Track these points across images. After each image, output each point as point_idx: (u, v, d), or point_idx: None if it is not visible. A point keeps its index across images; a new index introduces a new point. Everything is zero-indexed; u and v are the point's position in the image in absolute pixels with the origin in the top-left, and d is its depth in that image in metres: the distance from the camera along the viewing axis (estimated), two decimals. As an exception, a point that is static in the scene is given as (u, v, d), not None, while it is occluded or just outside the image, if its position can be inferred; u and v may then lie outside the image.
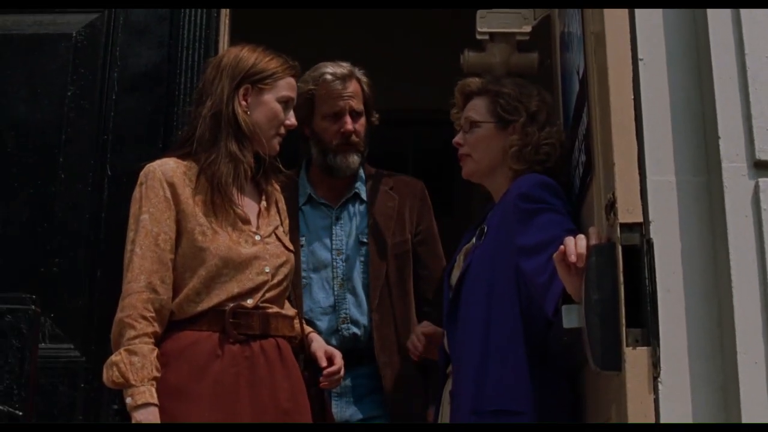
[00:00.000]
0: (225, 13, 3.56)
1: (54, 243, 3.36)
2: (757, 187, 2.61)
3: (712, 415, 2.54)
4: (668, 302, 2.37)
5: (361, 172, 3.74)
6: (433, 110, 5.90)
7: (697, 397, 2.55)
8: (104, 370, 2.75)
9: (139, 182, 2.94)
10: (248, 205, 3.03)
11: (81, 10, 3.54)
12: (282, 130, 3.07)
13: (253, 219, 3.01)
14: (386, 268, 3.60)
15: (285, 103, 3.06)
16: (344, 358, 3.19)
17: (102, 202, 3.39)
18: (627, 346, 2.16)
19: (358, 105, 3.65)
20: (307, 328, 3.19)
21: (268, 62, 3.06)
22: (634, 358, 2.16)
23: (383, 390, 3.51)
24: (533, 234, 2.78)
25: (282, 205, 3.19)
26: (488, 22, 3.69)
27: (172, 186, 2.90)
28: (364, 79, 3.70)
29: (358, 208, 3.70)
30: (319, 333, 3.42)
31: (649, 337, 2.17)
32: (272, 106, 3.04)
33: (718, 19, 2.73)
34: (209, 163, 2.94)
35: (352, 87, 3.65)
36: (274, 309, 2.95)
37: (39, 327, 2.10)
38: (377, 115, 3.75)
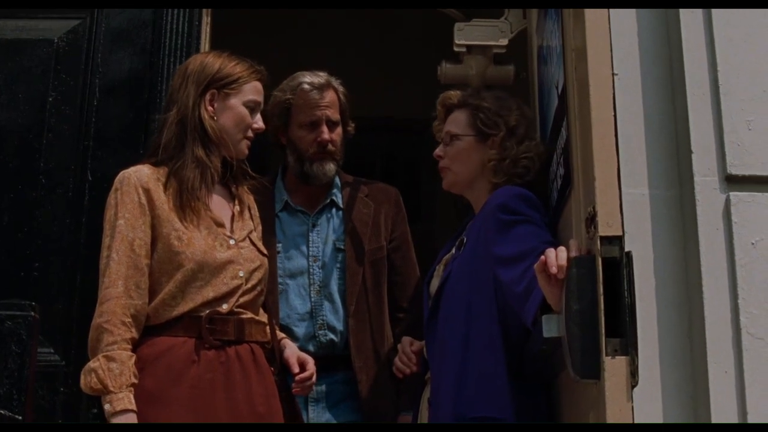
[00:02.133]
0: (206, 21, 3.59)
1: (34, 248, 3.37)
2: (728, 200, 2.67)
3: (683, 422, 2.60)
4: (641, 312, 2.41)
5: (337, 179, 3.76)
6: (403, 118, 5.98)
7: (669, 406, 2.61)
8: (82, 376, 2.74)
9: (114, 188, 2.94)
10: (221, 209, 3.04)
11: (63, 15, 3.56)
12: (249, 134, 3.08)
13: (226, 223, 3.01)
14: (362, 274, 3.62)
15: (252, 107, 3.07)
16: (320, 363, 3.21)
17: (82, 207, 3.41)
18: (606, 355, 2.19)
19: (334, 114, 3.67)
20: (280, 335, 3.20)
21: (234, 67, 3.07)
22: (613, 367, 2.19)
23: (359, 395, 3.52)
24: (511, 245, 2.81)
25: (255, 211, 3.19)
26: (465, 34, 3.73)
27: (147, 192, 2.90)
28: (340, 88, 3.71)
29: (335, 215, 3.72)
30: (296, 339, 3.47)
31: (628, 347, 2.21)
32: (239, 110, 3.04)
33: (691, 35, 2.79)
34: (177, 168, 2.95)
35: (329, 97, 3.66)
36: (248, 315, 2.96)
37: (38, 333, 2.11)
38: (353, 125, 3.77)
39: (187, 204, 2.92)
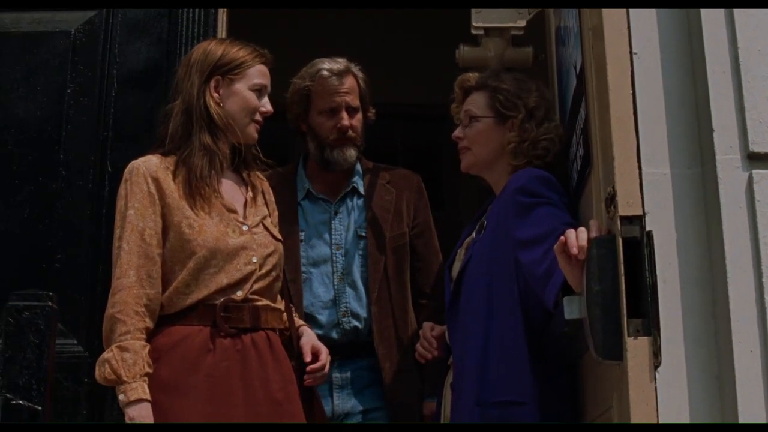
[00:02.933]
0: (223, 10, 3.58)
1: (55, 239, 3.39)
2: (750, 178, 2.64)
3: (708, 403, 2.58)
4: (664, 292, 2.40)
5: (359, 166, 3.76)
6: (423, 105, 5.97)
7: (694, 386, 2.58)
8: (96, 368, 2.75)
9: (123, 179, 2.95)
10: (233, 196, 3.03)
11: (79, 7, 3.56)
12: (258, 117, 3.07)
13: (239, 209, 3.01)
14: (385, 261, 3.62)
15: (258, 90, 3.06)
16: (344, 350, 3.22)
17: (102, 198, 3.41)
18: (628, 336, 2.20)
19: (354, 101, 3.67)
20: (299, 321, 3.20)
21: (236, 52, 3.06)
22: (635, 347, 2.20)
23: (382, 382, 3.53)
24: (531, 227, 2.81)
25: (270, 197, 3.19)
26: (483, 17, 3.70)
27: (156, 181, 2.91)
28: (360, 74, 3.72)
29: (356, 202, 3.72)
30: (320, 327, 3.49)
31: (650, 327, 2.20)
32: (245, 94, 3.04)
33: (711, 12, 2.76)
34: (185, 157, 2.96)
35: (348, 83, 3.66)
36: (264, 301, 2.95)
37: (56, 323, 2.11)
38: (373, 110, 3.77)
39: (197, 191, 2.92)
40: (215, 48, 3.07)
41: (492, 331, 2.89)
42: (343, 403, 3.53)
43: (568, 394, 2.93)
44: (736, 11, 2.76)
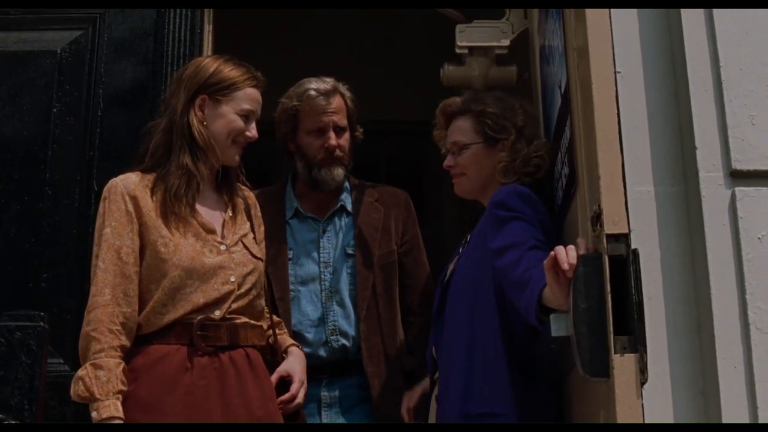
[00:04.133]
0: (208, 29, 3.60)
1: (42, 258, 3.38)
2: (733, 195, 2.67)
3: (694, 418, 2.60)
4: (649, 309, 2.42)
5: (347, 184, 3.76)
6: (405, 121, 5.99)
7: (679, 402, 2.61)
8: (71, 385, 2.72)
9: (102, 197, 2.92)
10: (212, 215, 3.00)
11: (65, 27, 3.57)
12: (241, 140, 3.02)
13: (217, 228, 2.97)
14: (373, 279, 3.61)
15: (244, 115, 3.01)
16: (333, 368, 3.22)
17: (89, 217, 3.38)
18: (615, 353, 2.21)
19: (341, 120, 3.67)
20: (288, 341, 3.18)
21: (228, 72, 3.02)
22: (622, 364, 2.21)
23: (371, 400, 3.52)
24: (503, 237, 2.84)
25: (256, 211, 3.17)
26: (467, 36, 3.74)
27: (134, 199, 2.89)
28: (347, 94, 3.71)
29: (345, 220, 3.72)
30: (309, 345, 3.48)
31: (636, 344, 2.22)
32: (229, 117, 3.00)
33: (693, 31, 2.80)
34: (162, 175, 2.94)
35: (336, 102, 3.66)
36: (243, 319, 2.92)
37: (48, 344, 2.12)
38: (361, 130, 3.77)
39: (173, 211, 2.89)
40: (207, 65, 3.03)
41: (474, 344, 2.92)
42: (331, 421, 3.52)
43: (552, 409, 2.94)
44: (718, 30, 2.79)
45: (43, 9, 3.59)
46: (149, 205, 2.89)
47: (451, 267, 3.18)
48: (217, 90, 2.99)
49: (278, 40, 5.94)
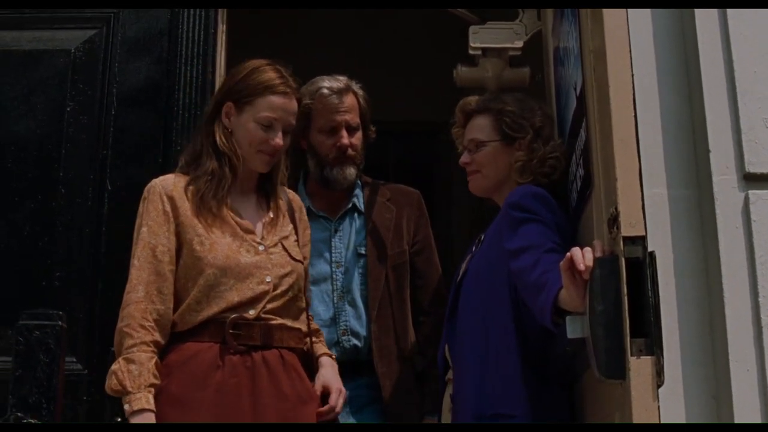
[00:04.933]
0: (222, 29, 3.60)
1: (55, 257, 3.39)
2: (747, 198, 2.68)
3: (706, 421, 2.61)
4: (662, 311, 2.39)
5: (359, 183, 3.76)
6: (415, 121, 6.00)
7: (691, 404, 2.61)
8: (106, 379, 2.76)
9: (142, 198, 2.95)
10: (252, 216, 3.02)
11: (79, 26, 3.58)
12: (265, 149, 2.99)
13: (257, 229, 2.99)
14: (385, 279, 3.61)
15: (266, 124, 2.98)
16: (344, 368, 3.21)
17: (102, 216, 3.42)
18: (631, 355, 2.21)
19: (354, 119, 3.67)
20: (322, 349, 3.16)
21: (255, 78, 3.00)
22: (639, 367, 2.21)
23: (382, 400, 3.52)
24: (519, 239, 2.84)
25: (301, 214, 3.18)
26: (481, 37, 3.75)
27: (171, 199, 2.92)
28: (360, 92, 3.71)
29: (356, 219, 3.72)
30: None
31: (653, 347, 2.22)
32: (248, 126, 2.98)
33: (707, 34, 2.80)
34: (193, 179, 2.97)
35: (349, 101, 3.66)
36: (279, 320, 2.92)
37: (66, 342, 2.13)
38: (374, 128, 3.77)
39: (210, 211, 2.92)
40: (238, 71, 3.03)
41: (488, 344, 2.93)
42: (343, 421, 3.49)
43: (565, 411, 2.95)
44: (732, 33, 2.80)
45: (57, 8, 3.59)
46: (185, 205, 2.92)
47: (463, 267, 3.19)
48: (241, 97, 2.99)
49: (289, 41, 5.93)
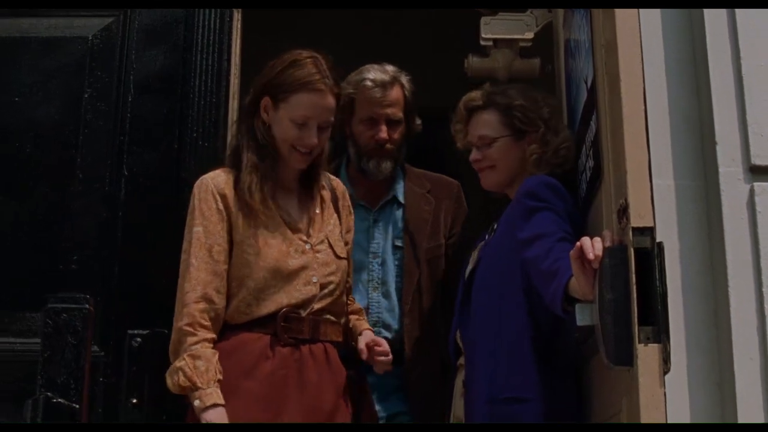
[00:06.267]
0: (237, 17, 3.62)
1: (72, 242, 3.41)
2: (752, 191, 2.71)
3: (709, 410, 2.65)
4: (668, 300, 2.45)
5: (400, 173, 3.75)
6: (426, 107, 5.99)
7: (695, 392, 2.65)
8: (168, 378, 2.79)
9: (192, 194, 2.97)
10: (300, 213, 3.03)
11: (96, 13, 3.60)
12: (300, 147, 2.97)
13: (303, 226, 3.01)
14: (419, 273, 3.61)
15: (299, 122, 2.95)
16: None
17: (118, 200, 3.44)
18: (639, 342, 2.25)
19: (396, 113, 3.66)
20: (364, 325, 3.19)
21: (291, 73, 2.96)
22: (646, 354, 2.25)
23: (408, 389, 3.55)
24: (532, 227, 2.89)
25: (344, 201, 3.19)
26: (492, 28, 3.79)
27: (224, 198, 2.93)
28: (407, 85, 3.69)
29: (396, 211, 3.72)
30: None
31: (660, 335, 2.26)
32: (284, 124, 2.96)
33: (715, 28, 2.82)
34: (240, 174, 2.97)
35: (393, 95, 3.65)
36: (325, 315, 2.97)
37: (93, 324, 2.18)
38: (419, 122, 3.74)
39: (259, 210, 2.92)
40: (275, 65, 2.99)
41: (500, 331, 2.97)
42: None
43: (575, 395, 3.00)
44: (740, 27, 2.83)
45: (72, -3, 3.61)
46: (237, 204, 2.93)
47: (476, 254, 3.22)
48: (277, 93, 2.97)
49: (293, 31, 5.91)
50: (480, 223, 3.48)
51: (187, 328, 2.81)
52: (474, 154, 3.25)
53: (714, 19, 2.85)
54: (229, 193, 2.94)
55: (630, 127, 2.39)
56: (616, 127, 2.47)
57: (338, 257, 3.04)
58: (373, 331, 3.20)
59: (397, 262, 3.66)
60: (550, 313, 2.72)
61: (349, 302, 3.20)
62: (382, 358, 3.01)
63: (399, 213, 3.71)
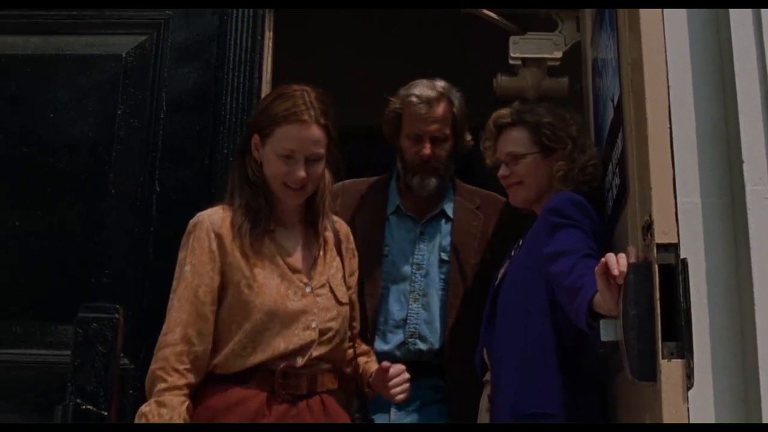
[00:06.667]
0: (269, 36, 3.67)
1: (104, 256, 3.46)
2: (779, 208, 2.71)
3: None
4: (694, 318, 2.42)
5: (450, 187, 3.74)
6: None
7: (720, 410, 2.65)
8: (135, 419, 2.71)
9: (187, 230, 2.89)
10: (301, 253, 2.94)
11: (130, 32, 3.65)
12: (290, 182, 2.87)
13: (304, 267, 2.91)
14: (465, 289, 3.58)
15: (285, 156, 2.85)
16: (408, 369, 3.25)
17: (150, 216, 3.49)
18: (663, 358, 2.26)
19: (440, 130, 3.63)
20: (373, 367, 3.08)
21: (271, 108, 2.89)
22: (670, 369, 2.26)
23: (444, 402, 3.53)
24: (557, 243, 2.91)
25: (348, 244, 3.09)
26: (520, 47, 3.81)
27: (219, 237, 2.84)
28: (456, 102, 3.66)
29: (444, 225, 3.70)
30: (387, 343, 3.55)
31: (684, 350, 2.27)
32: (270, 159, 2.87)
33: (743, 46, 2.83)
34: (233, 212, 2.89)
35: (439, 111, 3.63)
36: (324, 366, 2.87)
37: (122, 334, 2.22)
38: (470, 137, 3.71)
39: (258, 250, 2.85)
40: (262, 101, 2.91)
41: (525, 346, 2.99)
42: (399, 417, 3.51)
43: (599, 411, 3.01)
44: (767, 44, 2.84)
45: (109, 15, 3.67)
46: (234, 244, 2.83)
47: (502, 271, 3.25)
48: (263, 128, 2.89)
49: (336, 48, 5.95)
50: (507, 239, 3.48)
51: (159, 373, 2.73)
52: (503, 170, 3.28)
53: (741, 37, 2.86)
54: (226, 232, 2.85)
55: (655, 144, 2.40)
56: (641, 144, 2.49)
57: (339, 303, 2.93)
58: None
59: (442, 276, 3.63)
60: (574, 328, 2.74)
61: (357, 345, 3.12)
62: (397, 379, 2.94)
63: (447, 227, 3.69)
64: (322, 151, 2.88)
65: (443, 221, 3.71)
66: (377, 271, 3.57)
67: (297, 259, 2.92)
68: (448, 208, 3.72)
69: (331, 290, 2.92)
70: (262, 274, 2.83)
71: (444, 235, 3.68)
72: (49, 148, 3.57)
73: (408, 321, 3.58)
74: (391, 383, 2.94)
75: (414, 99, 3.62)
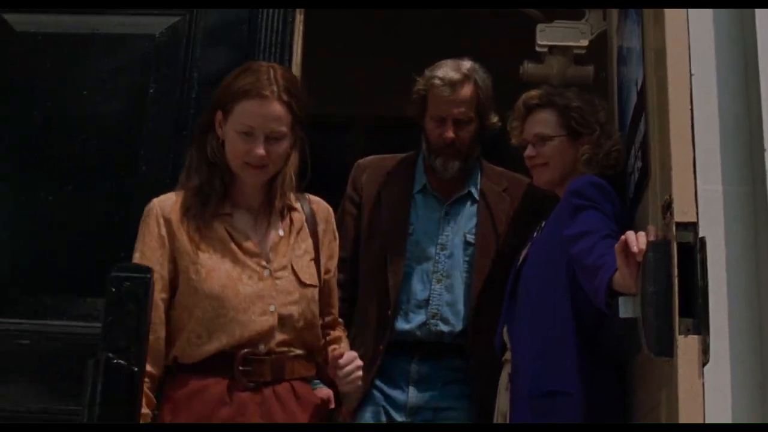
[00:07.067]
0: (300, 19, 3.69)
1: (134, 231, 3.43)
2: (800, 197, 2.72)
3: (751, 410, 2.66)
4: (713, 304, 2.49)
5: (478, 168, 3.76)
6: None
7: (737, 393, 2.65)
8: None
9: (142, 218, 2.83)
10: (259, 235, 2.81)
11: (163, 12, 3.70)
12: (250, 160, 2.75)
13: (263, 250, 2.78)
14: (489, 271, 3.59)
15: (245, 132, 2.73)
16: (428, 348, 3.28)
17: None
18: (679, 334, 2.31)
19: (464, 113, 3.64)
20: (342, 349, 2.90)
21: (233, 84, 2.79)
22: (686, 345, 2.31)
23: (466, 382, 3.54)
24: (578, 225, 2.96)
25: (326, 225, 2.95)
26: (547, 35, 3.84)
27: (168, 222, 2.75)
28: (482, 83, 3.66)
29: (470, 206, 3.71)
30: (408, 322, 3.55)
31: (700, 327, 2.32)
32: (230, 136, 2.76)
33: (766, 34, 2.85)
34: (187, 195, 2.80)
35: (463, 93, 3.63)
36: (293, 352, 2.76)
37: (153, 293, 2.26)
38: (496, 118, 3.72)
39: (207, 234, 2.75)
40: (226, 78, 2.84)
41: (545, 326, 3.04)
42: (417, 396, 3.52)
43: (618, 389, 3.05)
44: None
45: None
46: (183, 228, 2.75)
47: (524, 252, 3.29)
48: (224, 104, 2.79)
49: (353, 33, 5.92)
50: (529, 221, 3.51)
51: None
52: (529, 151, 3.32)
53: (766, 26, 2.87)
54: (175, 216, 2.76)
55: (676, 126, 2.45)
56: (662, 126, 2.53)
57: (303, 284, 2.79)
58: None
59: (467, 258, 3.63)
60: (594, 307, 2.78)
61: (330, 332, 2.99)
62: (348, 368, 2.77)
63: (473, 209, 3.70)
64: (283, 129, 2.77)
65: (469, 203, 3.72)
66: (401, 248, 3.58)
67: (255, 242, 2.80)
68: (475, 190, 3.73)
69: (294, 272, 2.79)
70: (211, 259, 2.73)
71: (469, 217, 3.69)
72: (81, 126, 3.61)
73: (430, 302, 3.58)
74: (340, 373, 2.78)
75: (437, 81, 3.62)
